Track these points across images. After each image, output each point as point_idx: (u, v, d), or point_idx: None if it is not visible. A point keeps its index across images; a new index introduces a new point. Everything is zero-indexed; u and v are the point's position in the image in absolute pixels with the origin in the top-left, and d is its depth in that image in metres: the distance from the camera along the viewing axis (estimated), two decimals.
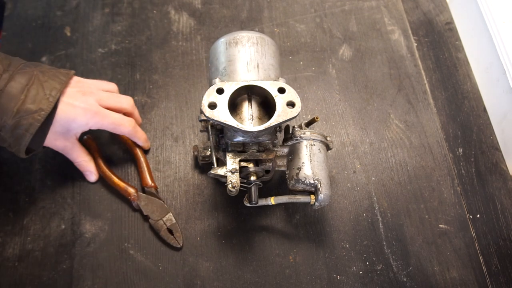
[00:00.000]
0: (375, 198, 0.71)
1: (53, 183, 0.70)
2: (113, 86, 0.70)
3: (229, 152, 0.60)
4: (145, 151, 0.72)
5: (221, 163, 0.63)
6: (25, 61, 0.61)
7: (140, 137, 0.69)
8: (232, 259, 0.66)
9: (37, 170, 0.70)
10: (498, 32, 0.80)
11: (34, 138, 0.58)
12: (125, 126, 0.66)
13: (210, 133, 0.64)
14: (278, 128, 0.64)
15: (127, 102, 0.68)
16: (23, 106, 0.56)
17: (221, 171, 0.60)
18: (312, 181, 0.60)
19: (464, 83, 0.83)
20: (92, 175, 0.69)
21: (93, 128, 0.63)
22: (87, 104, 0.61)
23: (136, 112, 0.71)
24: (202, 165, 0.72)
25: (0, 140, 0.58)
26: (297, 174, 0.60)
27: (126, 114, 0.68)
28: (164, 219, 0.67)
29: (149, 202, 0.68)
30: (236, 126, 0.55)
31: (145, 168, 0.70)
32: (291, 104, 0.56)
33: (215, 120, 0.55)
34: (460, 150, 0.77)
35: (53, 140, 0.62)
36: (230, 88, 0.56)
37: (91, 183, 0.70)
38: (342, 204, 0.71)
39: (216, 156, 0.63)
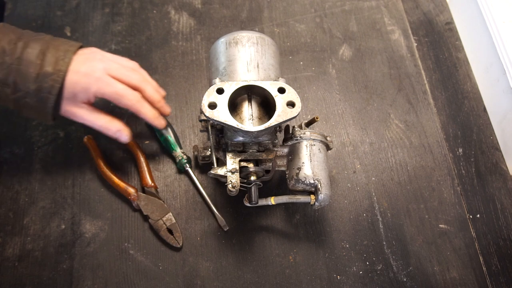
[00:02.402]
0: (375, 198, 0.71)
1: (53, 183, 0.70)
2: (132, 63, 0.67)
3: (229, 152, 0.60)
4: (145, 151, 0.72)
5: (221, 163, 0.63)
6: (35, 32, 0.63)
7: (146, 113, 0.64)
8: (232, 259, 0.66)
9: (37, 170, 0.70)
10: (498, 32, 0.80)
11: (56, 101, 0.60)
12: (128, 99, 0.62)
13: (210, 133, 0.64)
14: (278, 128, 0.64)
15: (137, 77, 0.64)
16: (41, 70, 0.58)
17: (221, 171, 0.60)
18: (312, 181, 0.60)
19: (464, 83, 0.83)
20: (121, 133, 0.64)
21: (97, 95, 0.61)
22: (91, 70, 0.61)
23: (149, 89, 0.65)
24: (202, 165, 0.72)
25: (27, 108, 0.60)
26: (297, 174, 0.60)
27: (136, 89, 0.64)
28: (164, 219, 0.67)
29: (149, 202, 0.68)
30: (236, 126, 0.55)
31: (145, 168, 0.70)
32: (291, 104, 0.56)
33: (215, 120, 0.55)
34: (460, 150, 0.77)
35: (65, 106, 0.61)
36: (230, 88, 0.56)
37: (92, 184, 0.70)
38: (342, 204, 0.71)
39: (216, 156, 0.63)
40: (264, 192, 0.65)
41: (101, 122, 0.63)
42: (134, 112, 0.64)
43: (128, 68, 0.65)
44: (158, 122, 0.66)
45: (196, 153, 0.69)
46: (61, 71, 0.59)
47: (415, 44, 0.86)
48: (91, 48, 0.64)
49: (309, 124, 0.65)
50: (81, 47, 0.63)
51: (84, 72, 0.60)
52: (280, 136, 0.67)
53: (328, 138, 0.65)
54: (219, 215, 0.68)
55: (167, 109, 0.68)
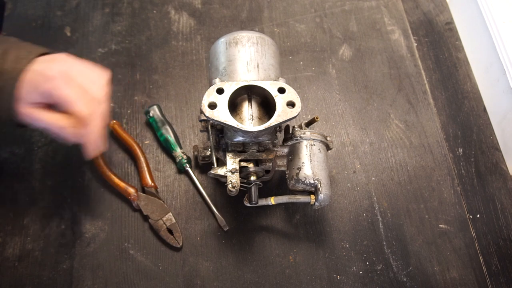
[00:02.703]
0: (375, 198, 0.71)
1: (53, 183, 0.70)
2: (98, 75, 0.58)
3: (229, 152, 0.60)
4: (145, 151, 0.72)
5: (221, 163, 0.63)
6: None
7: (91, 132, 0.55)
8: (232, 259, 0.66)
9: (37, 170, 0.70)
10: (498, 32, 0.81)
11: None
12: (77, 106, 0.54)
13: (210, 133, 0.64)
14: (278, 128, 0.64)
15: (97, 89, 0.56)
16: (0, 69, 0.55)
17: (221, 171, 0.60)
18: (312, 181, 0.60)
19: (464, 83, 0.83)
20: (64, 131, 0.56)
21: (46, 95, 0.54)
22: (46, 69, 0.55)
23: (104, 107, 0.56)
24: (202, 165, 0.72)
25: None
26: (297, 174, 0.60)
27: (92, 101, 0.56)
28: (164, 219, 0.67)
29: (149, 202, 0.68)
30: (236, 126, 0.55)
31: (145, 168, 0.70)
32: (291, 104, 0.56)
33: (215, 120, 0.55)
34: (460, 150, 0.77)
35: (19, 108, 0.55)
36: (230, 88, 0.56)
37: (92, 184, 0.70)
38: (342, 204, 0.71)
39: (216, 156, 0.63)
40: (264, 192, 0.65)
41: (48, 120, 0.55)
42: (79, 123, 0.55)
43: (92, 78, 0.57)
44: (94, 147, 0.57)
45: (196, 153, 0.69)
46: (18, 69, 0.54)
47: (415, 44, 0.86)
48: (60, 53, 0.58)
49: (309, 124, 0.65)
50: (49, 53, 0.58)
51: (39, 70, 0.55)
52: (280, 136, 0.67)
53: (328, 138, 0.65)
54: (219, 215, 0.68)
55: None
